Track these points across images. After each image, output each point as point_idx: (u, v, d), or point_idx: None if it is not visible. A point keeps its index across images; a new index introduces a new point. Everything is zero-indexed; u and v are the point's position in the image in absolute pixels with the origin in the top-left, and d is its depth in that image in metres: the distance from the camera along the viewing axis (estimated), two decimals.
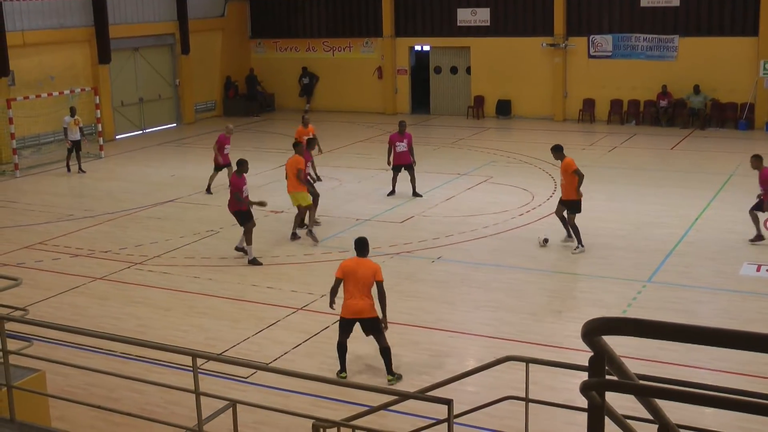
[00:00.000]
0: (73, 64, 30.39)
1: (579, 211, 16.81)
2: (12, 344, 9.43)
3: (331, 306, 11.90)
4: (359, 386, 9.55)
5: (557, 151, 16.92)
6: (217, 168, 22.13)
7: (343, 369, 11.67)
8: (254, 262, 16.63)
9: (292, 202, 18.08)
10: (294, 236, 17.99)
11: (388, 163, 21.31)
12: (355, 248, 11.82)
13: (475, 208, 20.07)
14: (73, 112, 25.47)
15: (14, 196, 23.05)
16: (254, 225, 16.70)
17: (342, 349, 11.65)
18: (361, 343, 11.99)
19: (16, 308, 10.73)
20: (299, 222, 18.09)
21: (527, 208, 20.02)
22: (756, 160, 16.91)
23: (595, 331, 4.01)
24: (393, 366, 11.60)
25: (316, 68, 37.32)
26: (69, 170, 25.64)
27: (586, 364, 7.14)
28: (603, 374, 4.27)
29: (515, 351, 11.78)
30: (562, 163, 16.91)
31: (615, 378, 4.45)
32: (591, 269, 15.86)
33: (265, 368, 9.12)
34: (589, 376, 4.33)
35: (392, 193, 21.40)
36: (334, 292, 11.74)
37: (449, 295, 14.84)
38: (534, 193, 21.40)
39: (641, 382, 4.66)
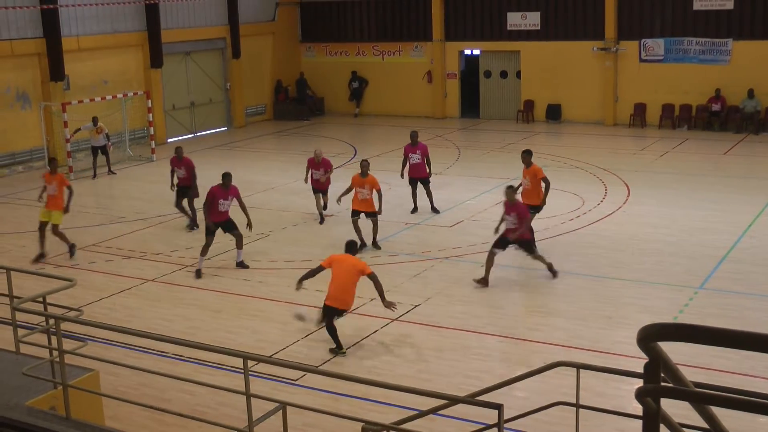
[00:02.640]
0: (126, 68, 30.81)
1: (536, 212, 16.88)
2: (67, 344, 9.58)
3: (298, 286, 13.12)
4: (408, 390, 9.51)
5: (527, 155, 17.29)
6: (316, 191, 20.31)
7: (339, 346, 12.65)
8: (243, 264, 16.82)
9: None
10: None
11: (401, 176, 20.82)
12: (346, 247, 13.08)
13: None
14: (95, 121, 25.77)
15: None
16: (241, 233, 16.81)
17: (331, 330, 12.66)
18: (400, 347, 11.98)
19: (71, 308, 10.90)
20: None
21: (577, 213, 19.88)
22: None
23: (650, 337, 3.97)
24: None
25: (366, 72, 37.40)
26: (95, 175, 25.90)
27: (638, 371, 7.08)
28: (659, 380, 4.22)
29: (564, 356, 11.71)
30: (530, 169, 17.06)
31: (670, 384, 4.39)
32: (641, 275, 15.70)
33: (315, 371, 9.12)
34: (644, 383, 4.28)
35: (415, 209, 20.48)
36: (310, 274, 13.00)
37: (498, 299, 14.79)
38: (584, 198, 21.24)
39: (697, 389, 4.59)
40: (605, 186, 22.50)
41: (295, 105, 37.18)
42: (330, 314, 12.66)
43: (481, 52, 35.35)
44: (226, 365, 11.82)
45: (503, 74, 35.06)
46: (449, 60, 35.74)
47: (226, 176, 16.58)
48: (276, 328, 13.80)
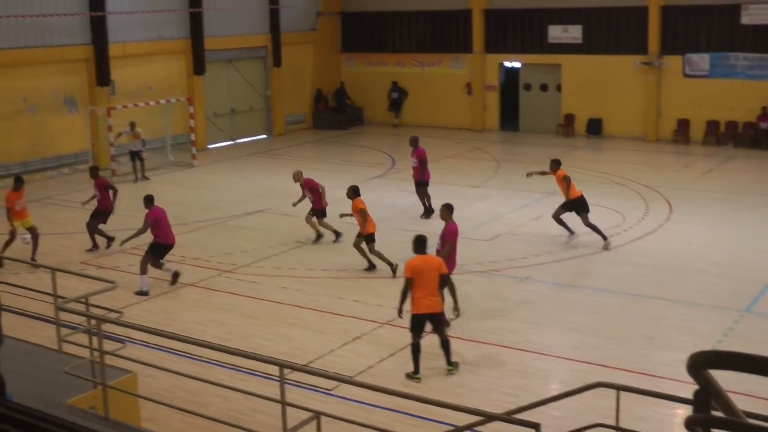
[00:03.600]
0: (169, 74, 31.12)
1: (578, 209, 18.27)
2: (107, 345, 9.68)
3: (400, 313, 12.23)
4: (443, 404, 9.46)
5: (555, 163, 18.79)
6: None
7: (417, 371, 12.02)
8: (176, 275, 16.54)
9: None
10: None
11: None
12: (416, 246, 12.20)
13: (563, 229, 19.81)
14: (132, 126, 26.02)
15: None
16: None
17: (417, 350, 11.99)
18: (438, 359, 11.92)
19: (112, 310, 11.01)
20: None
21: (618, 230, 19.70)
22: None
23: (702, 364, 3.86)
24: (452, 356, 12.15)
25: (406, 83, 37.43)
26: (136, 179, 26.16)
27: (680, 395, 7.00)
28: (709, 410, 4.09)
29: (602, 376, 11.58)
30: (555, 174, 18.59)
31: (721, 414, 4.25)
32: (683, 296, 15.49)
33: (350, 381, 9.13)
34: (693, 411, 4.16)
35: (427, 212, 21.07)
36: (405, 295, 12.03)
37: (536, 315, 14.69)
38: (625, 214, 21.06)
39: (751, 420, 4.44)
40: (646, 203, 22.30)
41: (335, 114, 37.29)
42: (421, 326, 12.00)
43: (521, 64, 35.24)
44: (261, 372, 11.84)
45: (543, 87, 34.92)
46: (489, 72, 35.66)
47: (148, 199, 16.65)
48: (312, 336, 13.81)
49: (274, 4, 34.65)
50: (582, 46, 33.45)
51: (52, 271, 11.42)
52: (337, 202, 19.43)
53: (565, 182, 18.46)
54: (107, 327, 10.31)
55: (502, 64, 35.76)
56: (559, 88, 34.36)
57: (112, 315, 10.53)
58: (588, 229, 18.36)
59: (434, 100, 36.62)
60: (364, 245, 17.04)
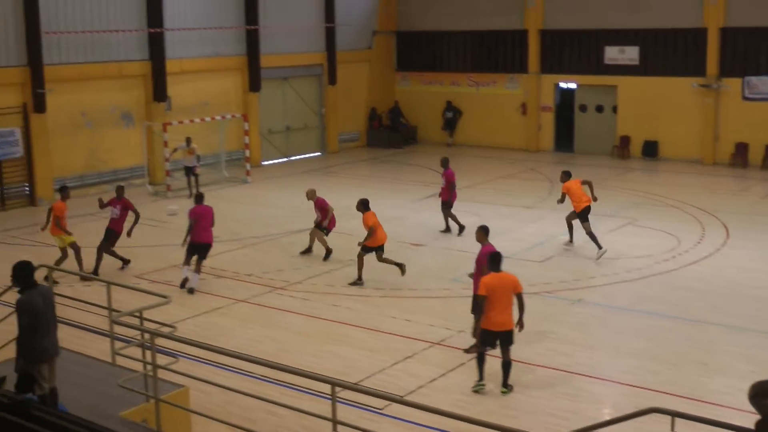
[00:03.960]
0: (225, 91, 31.45)
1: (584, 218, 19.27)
2: (160, 359, 9.77)
3: (475, 333, 12.46)
4: (494, 426, 9.39)
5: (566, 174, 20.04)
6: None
7: (481, 378, 12.24)
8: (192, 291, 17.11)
9: None
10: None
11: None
12: (492, 263, 12.23)
13: (617, 251, 19.64)
14: (188, 142, 26.32)
15: (166, 216, 23.87)
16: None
17: (482, 359, 12.23)
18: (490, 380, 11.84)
19: (165, 324, 11.12)
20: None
21: (672, 254, 19.45)
22: None
23: (765, 393, 3.81)
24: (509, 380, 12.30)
25: (460, 102, 37.42)
26: (190, 195, 26.31)
27: (735, 423, 6.86)
28: None
29: (655, 401, 11.41)
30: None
31: None
32: (739, 321, 15.22)
33: (400, 401, 9.10)
34: None
35: (450, 229, 21.53)
36: (480, 312, 12.11)
37: (588, 338, 14.54)
38: (680, 238, 20.78)
39: None
40: (702, 227, 21.99)
41: (389, 133, 37.37)
42: (491, 341, 12.16)
43: (577, 85, 35.05)
44: (312, 389, 11.85)
45: (599, 108, 34.66)
46: (544, 92, 35.52)
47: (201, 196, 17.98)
48: (363, 355, 13.80)
49: (330, 23, 34.90)
50: (639, 68, 33.17)
51: (106, 285, 11.58)
52: (386, 222, 19.42)
53: (568, 195, 19.55)
54: (160, 341, 10.41)
55: (557, 85, 35.60)
56: (614, 109, 34.09)
57: (166, 329, 10.63)
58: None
59: (489, 119, 36.54)
60: (365, 256, 17.54)
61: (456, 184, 21.56)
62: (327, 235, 19.29)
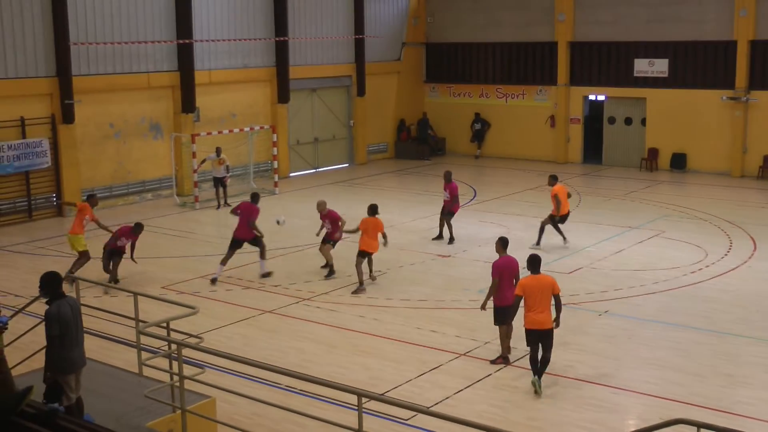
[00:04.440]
0: (254, 102, 31.63)
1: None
2: (186, 369, 9.85)
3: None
4: None
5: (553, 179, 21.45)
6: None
7: (535, 373, 12.70)
8: (268, 275, 18.82)
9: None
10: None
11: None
12: (530, 265, 12.69)
13: (645, 263, 19.58)
14: (218, 152, 26.45)
15: (193, 227, 24.06)
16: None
17: (534, 362, 12.64)
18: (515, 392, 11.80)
19: (192, 335, 11.21)
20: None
21: (699, 266, 19.36)
22: None
23: None
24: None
25: (489, 114, 37.42)
26: (219, 206, 26.52)
27: None
28: None
29: (681, 413, 11.38)
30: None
31: None
32: (766, 334, 15.13)
33: (427, 412, 9.13)
34: None
35: (445, 239, 21.99)
36: (514, 311, 12.89)
37: (615, 350, 14.50)
38: (707, 250, 20.67)
39: None
40: (730, 239, 21.86)
41: (417, 144, 37.42)
42: (534, 341, 12.59)
43: (606, 97, 34.95)
44: (338, 400, 11.91)
45: (628, 121, 34.54)
46: (573, 105, 35.45)
47: (257, 196, 19.36)
48: (389, 366, 13.84)
49: (360, 34, 35.05)
50: (668, 80, 33.07)
51: (133, 296, 11.69)
52: (412, 233, 19.43)
53: (555, 200, 20.85)
54: (187, 352, 10.51)
55: (586, 97, 35.51)
56: (643, 121, 33.96)
57: (192, 340, 10.73)
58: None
59: (517, 131, 36.51)
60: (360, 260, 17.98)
61: (459, 196, 22.22)
62: (333, 247, 19.19)
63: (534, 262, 12.69)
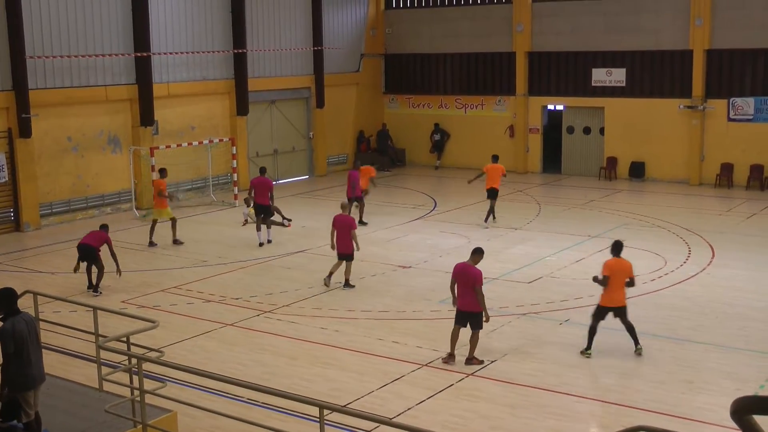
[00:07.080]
0: (212, 114, 31.49)
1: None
2: (147, 384, 9.74)
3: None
4: None
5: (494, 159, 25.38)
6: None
7: (589, 347, 14.33)
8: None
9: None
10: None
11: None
12: (613, 249, 14.41)
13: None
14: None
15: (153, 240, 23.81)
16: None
17: (593, 331, 14.32)
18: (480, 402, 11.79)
19: (152, 349, 11.09)
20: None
21: (659, 274, 19.54)
22: None
23: (745, 409, 3.83)
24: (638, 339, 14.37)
25: (448, 125, 37.56)
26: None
27: None
28: None
29: (642, 419, 11.47)
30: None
31: None
32: (724, 340, 15.29)
33: (389, 423, 9.11)
34: None
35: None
36: (605, 285, 14.16)
37: (576, 358, 14.55)
38: (667, 258, 20.88)
39: None
40: (689, 247, 22.09)
41: (377, 156, 37.43)
42: (602, 315, 14.26)
43: (564, 107, 35.23)
44: (300, 413, 11.85)
45: (586, 130, 34.85)
46: (532, 115, 35.71)
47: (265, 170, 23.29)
48: (351, 377, 13.80)
49: (318, 46, 35.03)
50: (625, 89, 33.43)
51: (93, 310, 11.56)
52: (374, 244, 19.42)
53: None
54: (148, 366, 10.40)
55: (545, 107, 35.78)
56: (602, 131, 34.28)
57: (153, 354, 10.62)
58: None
59: (476, 142, 36.63)
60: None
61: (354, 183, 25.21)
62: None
63: (616, 247, 14.37)
